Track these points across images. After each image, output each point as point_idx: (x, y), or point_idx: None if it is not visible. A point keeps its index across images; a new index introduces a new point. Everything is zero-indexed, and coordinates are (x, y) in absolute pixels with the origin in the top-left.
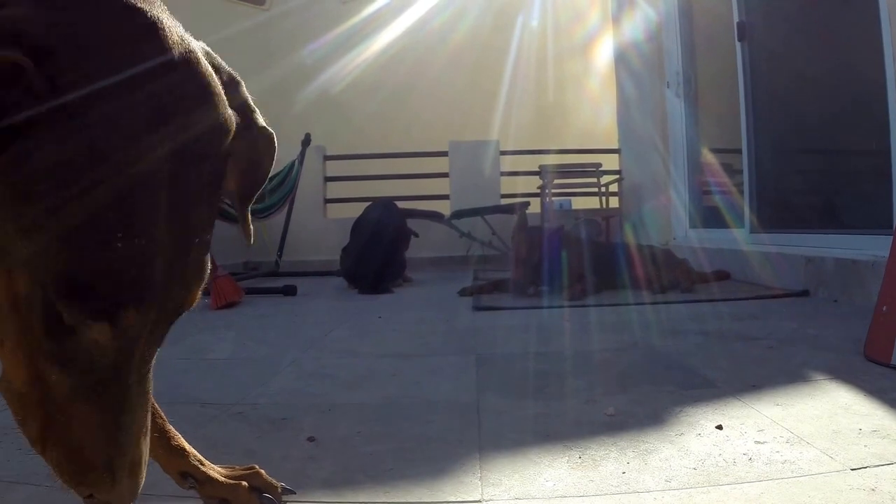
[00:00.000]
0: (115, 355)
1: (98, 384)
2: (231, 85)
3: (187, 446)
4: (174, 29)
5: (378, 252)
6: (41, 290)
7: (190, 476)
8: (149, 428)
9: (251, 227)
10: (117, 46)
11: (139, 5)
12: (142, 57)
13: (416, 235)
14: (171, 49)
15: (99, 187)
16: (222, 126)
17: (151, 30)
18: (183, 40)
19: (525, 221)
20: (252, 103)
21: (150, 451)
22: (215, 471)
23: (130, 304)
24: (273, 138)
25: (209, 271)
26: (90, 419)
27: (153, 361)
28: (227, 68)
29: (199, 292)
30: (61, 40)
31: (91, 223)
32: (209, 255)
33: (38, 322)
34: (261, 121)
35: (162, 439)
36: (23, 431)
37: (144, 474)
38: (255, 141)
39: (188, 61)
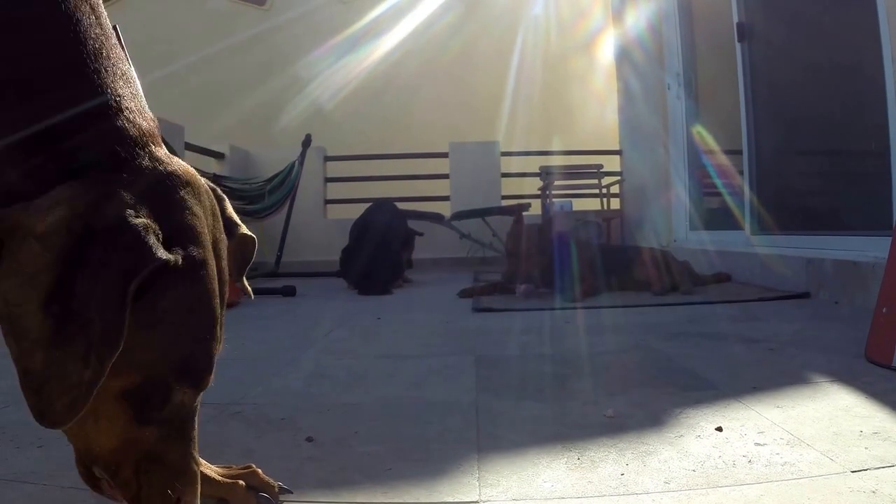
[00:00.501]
0: (190, 407)
1: (179, 432)
2: (222, 202)
3: None
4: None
5: (377, 253)
6: (157, 380)
7: None
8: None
9: (249, 287)
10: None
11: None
12: (207, 226)
13: (421, 234)
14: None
15: (199, 312)
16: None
17: (207, 209)
18: (210, 193)
19: (521, 222)
20: (234, 215)
21: None
22: (212, 470)
23: (209, 373)
24: (254, 239)
25: None
26: (175, 460)
27: None
28: (217, 190)
29: None
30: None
31: (192, 332)
32: None
33: (140, 401)
34: (243, 227)
35: None
36: (118, 483)
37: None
38: (243, 241)
39: (216, 213)
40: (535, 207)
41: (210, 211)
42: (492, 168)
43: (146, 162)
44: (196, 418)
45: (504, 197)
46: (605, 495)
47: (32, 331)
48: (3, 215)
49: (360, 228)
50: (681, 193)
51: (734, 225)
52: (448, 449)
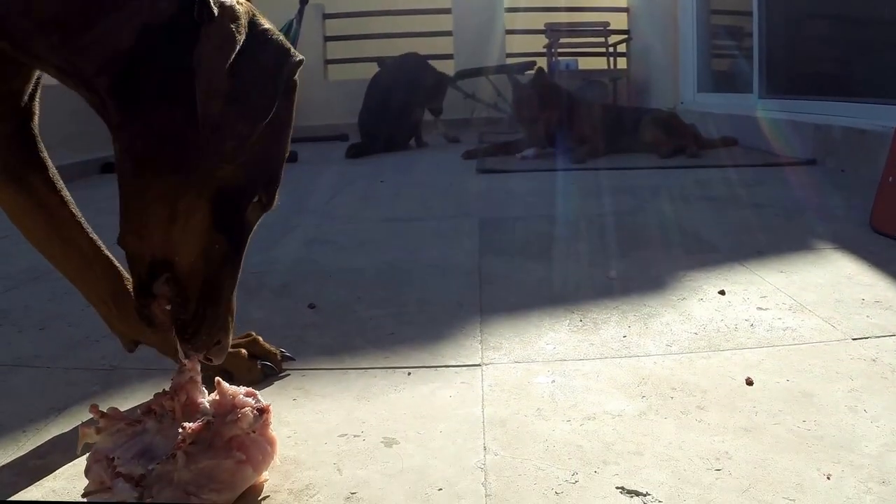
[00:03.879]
0: (252, 227)
1: (238, 247)
2: None
3: None
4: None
5: (382, 112)
6: (243, 182)
7: None
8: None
9: None
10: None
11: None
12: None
13: (453, 81)
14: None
15: (288, 128)
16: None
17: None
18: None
19: (516, 84)
20: None
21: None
22: None
23: (279, 186)
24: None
25: None
26: (230, 276)
27: None
28: None
29: None
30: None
31: (282, 144)
32: None
33: (226, 203)
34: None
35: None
36: (180, 306)
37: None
38: None
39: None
40: (541, 65)
41: None
42: (496, 25)
43: None
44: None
45: (508, 55)
46: (606, 357)
47: (220, 90)
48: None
49: (368, 88)
50: (689, 54)
51: (743, 88)
52: (451, 312)
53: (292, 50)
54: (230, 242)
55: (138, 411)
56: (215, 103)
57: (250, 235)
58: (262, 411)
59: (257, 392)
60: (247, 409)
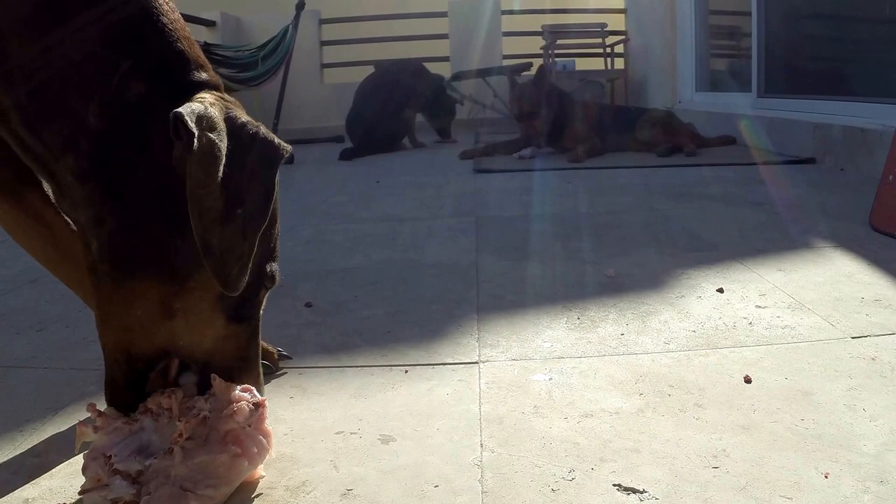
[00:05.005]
0: (262, 303)
1: (253, 317)
2: None
3: None
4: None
5: (368, 113)
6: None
7: None
8: None
9: None
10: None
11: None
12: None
13: (460, 101)
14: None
15: (271, 234)
16: None
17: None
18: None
19: (514, 83)
20: None
21: None
22: None
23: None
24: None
25: None
26: (253, 356)
27: None
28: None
29: None
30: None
31: (276, 232)
32: None
33: (240, 307)
34: None
35: None
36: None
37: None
38: None
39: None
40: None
41: None
42: (492, 27)
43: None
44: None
45: (505, 57)
46: (604, 355)
47: (214, 209)
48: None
49: (357, 90)
50: (687, 54)
51: (741, 87)
52: (448, 310)
53: (276, 140)
54: (247, 328)
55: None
56: (211, 228)
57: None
58: (258, 405)
59: (253, 387)
60: (242, 402)
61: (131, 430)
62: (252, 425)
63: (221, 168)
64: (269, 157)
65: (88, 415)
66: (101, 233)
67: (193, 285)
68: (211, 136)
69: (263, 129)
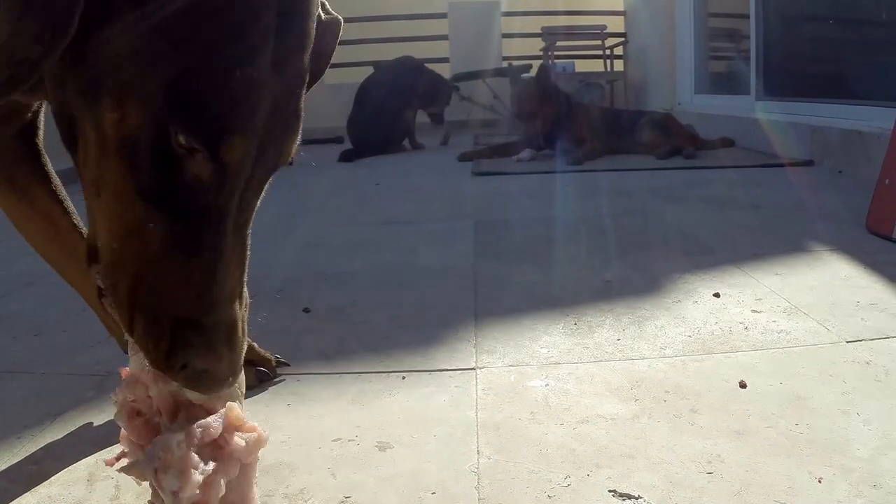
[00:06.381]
0: (214, 195)
1: (195, 228)
2: None
3: None
4: None
5: (369, 115)
6: (154, 123)
7: None
8: (244, 297)
9: None
10: None
11: None
12: None
13: (456, 88)
14: None
15: (222, 20)
16: None
17: None
18: None
19: (517, 82)
20: None
21: None
22: None
23: (236, 131)
24: (340, 24)
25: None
26: (183, 270)
27: (251, 218)
28: None
29: (295, 144)
30: None
31: (211, 52)
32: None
33: (145, 158)
34: (327, 7)
35: None
36: (112, 302)
37: (242, 346)
38: (324, 27)
39: None
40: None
41: None
42: (492, 29)
43: None
44: (244, 237)
45: (505, 58)
46: (601, 360)
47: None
48: None
49: (358, 92)
50: (686, 56)
51: (740, 89)
52: (445, 315)
53: None
54: (170, 218)
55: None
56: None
57: (234, 225)
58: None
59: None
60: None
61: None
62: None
63: None
64: None
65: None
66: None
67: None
68: None
69: None
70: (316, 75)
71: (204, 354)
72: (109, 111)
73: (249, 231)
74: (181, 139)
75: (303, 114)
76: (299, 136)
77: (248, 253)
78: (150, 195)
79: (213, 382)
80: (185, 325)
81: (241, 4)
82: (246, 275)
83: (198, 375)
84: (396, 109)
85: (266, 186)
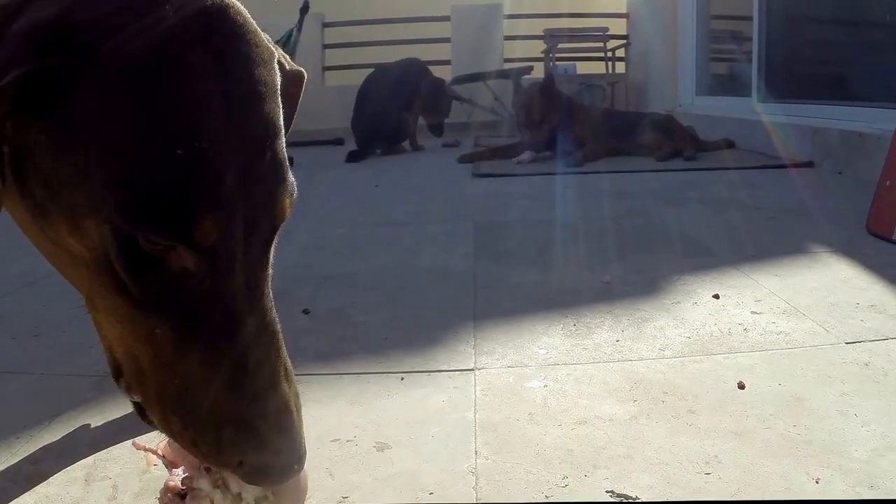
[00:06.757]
0: (211, 281)
1: (204, 322)
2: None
3: None
4: None
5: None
6: (115, 235)
7: None
8: (290, 369)
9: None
10: None
11: None
12: None
13: (461, 99)
14: None
15: (144, 99)
16: (265, 42)
17: None
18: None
19: (519, 87)
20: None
21: None
22: None
23: (203, 213)
24: (303, 76)
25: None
26: (206, 369)
27: (269, 287)
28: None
29: (290, 199)
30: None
31: (144, 139)
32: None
33: (121, 266)
34: (289, 62)
35: None
36: (151, 414)
37: (299, 428)
38: (288, 79)
39: None
40: (538, 71)
41: None
42: (495, 32)
43: None
44: (269, 317)
45: (507, 60)
46: (599, 362)
47: None
48: None
49: (360, 90)
50: (688, 58)
51: (741, 91)
52: (444, 317)
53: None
54: (174, 319)
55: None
56: None
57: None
58: None
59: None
60: None
61: None
62: None
63: None
64: None
65: (81, 423)
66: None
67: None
68: None
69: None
70: (287, 122)
71: (257, 450)
72: (68, 236)
73: (270, 303)
74: (144, 243)
75: (285, 158)
76: (291, 184)
77: (278, 327)
78: (144, 304)
79: (275, 476)
80: (229, 424)
81: (162, 75)
82: (285, 352)
83: (257, 471)
84: (400, 107)
85: (273, 247)
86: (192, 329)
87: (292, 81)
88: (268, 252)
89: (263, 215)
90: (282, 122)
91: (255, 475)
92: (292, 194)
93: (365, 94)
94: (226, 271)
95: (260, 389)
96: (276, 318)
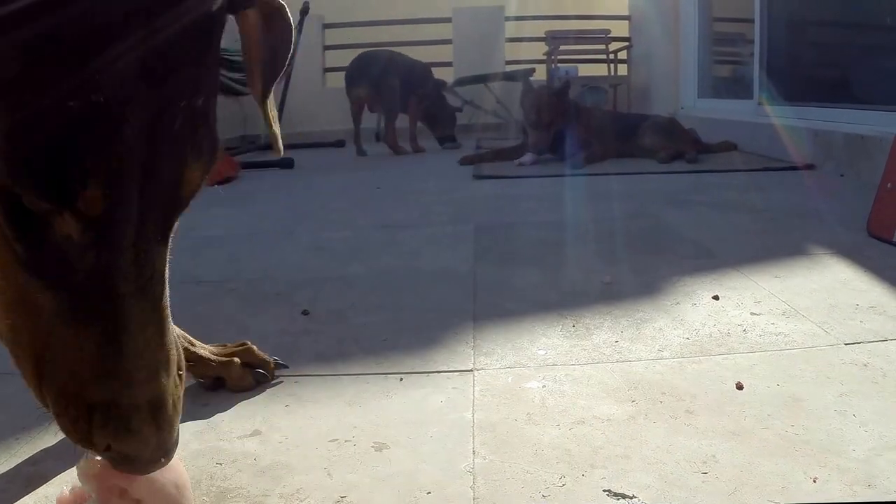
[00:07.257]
0: (95, 254)
1: (84, 296)
2: None
3: (176, 327)
4: None
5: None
6: (1, 189)
7: None
8: (174, 359)
9: (276, 130)
10: None
11: None
12: None
13: (459, 109)
14: None
15: (40, 42)
16: None
17: None
18: None
19: (530, 88)
20: None
21: None
22: (206, 350)
23: (91, 178)
24: (283, 8)
25: (214, 148)
26: (81, 345)
27: (164, 267)
28: None
29: (202, 172)
30: None
31: (42, 86)
32: (212, 126)
33: (9, 225)
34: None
35: None
36: (23, 377)
37: (173, 424)
38: (266, 17)
39: None
40: (540, 73)
41: None
42: (496, 33)
43: None
44: (155, 294)
45: (508, 62)
46: (598, 362)
47: None
48: None
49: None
50: (690, 60)
51: (743, 94)
52: (444, 318)
53: None
54: (55, 287)
55: None
56: None
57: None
58: None
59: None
60: None
61: None
62: None
63: None
64: None
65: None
66: None
67: None
68: None
69: None
70: (276, 71)
71: (125, 438)
72: None
73: (165, 289)
74: (28, 203)
75: (209, 125)
76: (210, 155)
77: (168, 314)
78: (27, 263)
79: (141, 466)
80: (99, 406)
81: (74, 14)
82: (171, 340)
83: (123, 459)
84: (401, 90)
85: (175, 228)
86: (72, 303)
87: (275, 18)
88: (168, 230)
89: (167, 187)
90: (208, 83)
91: (121, 462)
92: (206, 166)
93: (369, 61)
94: (113, 246)
95: (135, 378)
96: (167, 305)
